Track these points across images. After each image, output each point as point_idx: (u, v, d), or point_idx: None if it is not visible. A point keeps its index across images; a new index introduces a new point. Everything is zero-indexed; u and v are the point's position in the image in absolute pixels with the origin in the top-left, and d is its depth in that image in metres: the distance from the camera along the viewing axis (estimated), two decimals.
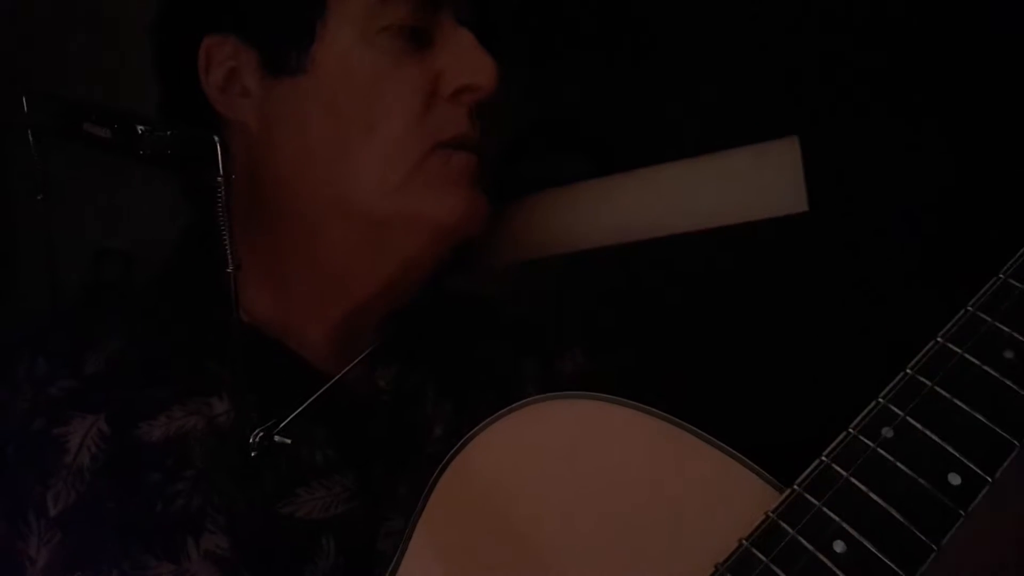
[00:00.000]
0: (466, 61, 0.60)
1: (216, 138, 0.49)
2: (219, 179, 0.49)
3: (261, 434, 0.53)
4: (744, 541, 0.42)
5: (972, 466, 0.42)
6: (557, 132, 0.92)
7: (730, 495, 0.46)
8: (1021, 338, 0.44)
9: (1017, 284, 0.46)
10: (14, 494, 0.55)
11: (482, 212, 0.62)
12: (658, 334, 0.78)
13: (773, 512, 0.43)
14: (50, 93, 0.49)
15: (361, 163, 0.59)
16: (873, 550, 0.41)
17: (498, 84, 0.60)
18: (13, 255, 0.89)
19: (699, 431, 0.47)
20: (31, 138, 0.49)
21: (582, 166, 0.86)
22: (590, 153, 0.88)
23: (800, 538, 0.42)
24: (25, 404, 0.57)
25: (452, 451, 0.50)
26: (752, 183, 0.75)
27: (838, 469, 0.43)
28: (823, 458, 0.44)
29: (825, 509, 0.42)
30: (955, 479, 0.42)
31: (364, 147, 0.59)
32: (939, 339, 0.46)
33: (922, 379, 0.45)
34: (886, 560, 0.40)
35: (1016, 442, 0.42)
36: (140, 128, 0.48)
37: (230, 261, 0.50)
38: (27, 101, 0.48)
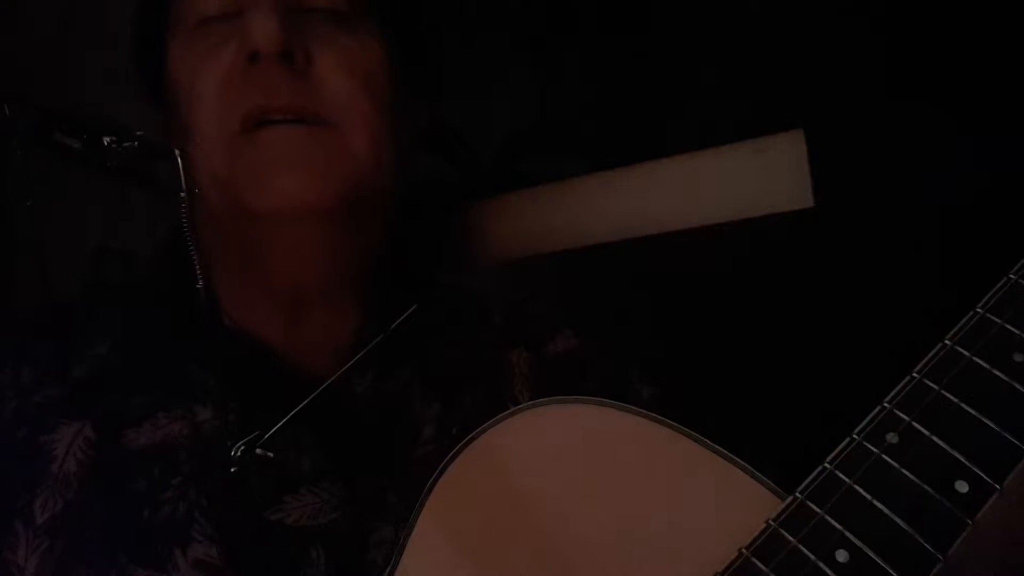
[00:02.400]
0: (248, 25, 0.56)
1: (178, 151, 0.48)
2: (182, 194, 0.48)
3: (243, 447, 0.52)
4: (744, 550, 0.41)
5: (980, 473, 0.41)
6: (557, 132, 0.91)
7: (730, 502, 0.45)
8: None
9: None
10: (1, 503, 0.54)
11: (327, 185, 0.56)
12: (656, 333, 0.76)
13: (774, 520, 0.42)
14: (27, 100, 0.48)
15: (198, 157, 0.56)
16: (877, 560, 0.39)
17: (279, 40, 0.55)
18: (11, 259, 0.89)
19: (699, 437, 0.46)
20: (16, 144, 0.48)
21: (582, 165, 0.85)
22: (589, 152, 0.86)
23: (801, 547, 0.40)
24: (10, 413, 0.57)
25: (448, 457, 0.49)
26: (756, 178, 0.74)
27: (841, 476, 0.42)
28: (826, 464, 0.43)
29: (828, 517, 0.41)
30: (962, 486, 0.40)
31: (195, 138, 0.57)
32: (947, 341, 0.44)
33: (929, 383, 0.43)
34: (890, 571, 0.39)
35: None
36: (107, 140, 0.47)
37: (199, 277, 0.49)
38: (8, 107, 0.48)
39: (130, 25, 0.64)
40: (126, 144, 0.48)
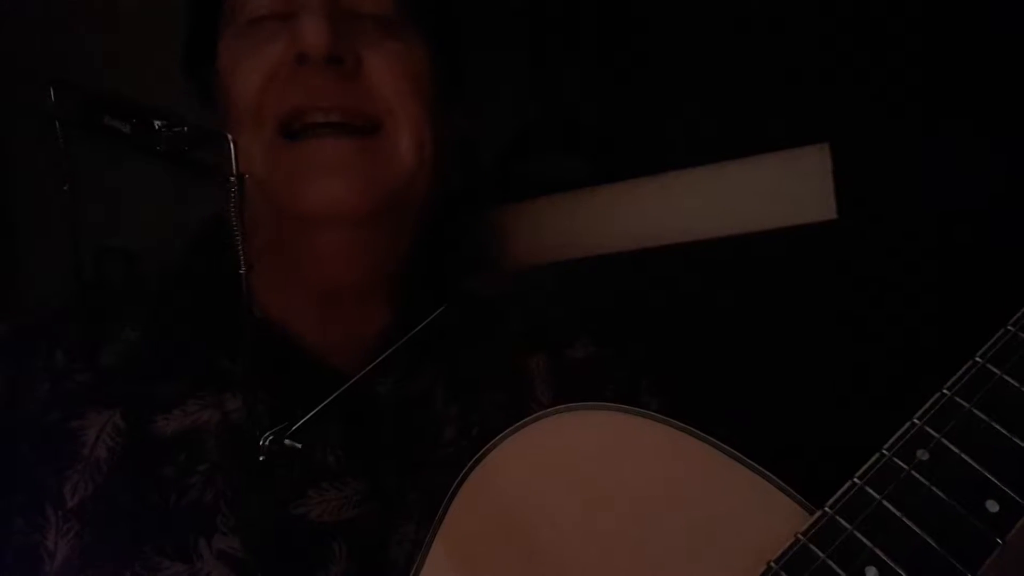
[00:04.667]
0: (299, 27, 0.56)
1: (230, 136, 0.48)
2: (232, 178, 0.48)
3: (271, 437, 0.52)
4: (773, 564, 0.41)
5: (1010, 493, 0.40)
6: (558, 132, 0.91)
7: (759, 515, 0.44)
8: None
9: None
10: (31, 487, 0.54)
11: (371, 191, 0.57)
12: (681, 345, 0.76)
13: (803, 535, 0.41)
14: (74, 84, 0.48)
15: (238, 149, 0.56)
16: None
17: (328, 44, 0.55)
18: (29, 246, 0.89)
19: (728, 448, 0.46)
20: (58, 129, 0.48)
21: (583, 167, 0.85)
22: (591, 154, 0.86)
23: (831, 563, 0.40)
24: (44, 396, 0.57)
25: (472, 461, 0.49)
26: (781, 189, 0.74)
27: (871, 492, 0.42)
28: (855, 480, 0.42)
29: (857, 533, 0.41)
30: (992, 506, 0.40)
31: (233, 130, 0.56)
32: (978, 359, 0.44)
33: (960, 400, 0.43)
34: None
35: None
36: (157, 123, 0.47)
37: (242, 262, 0.49)
38: (54, 91, 0.47)
39: (182, 15, 0.64)
40: (176, 128, 0.48)
